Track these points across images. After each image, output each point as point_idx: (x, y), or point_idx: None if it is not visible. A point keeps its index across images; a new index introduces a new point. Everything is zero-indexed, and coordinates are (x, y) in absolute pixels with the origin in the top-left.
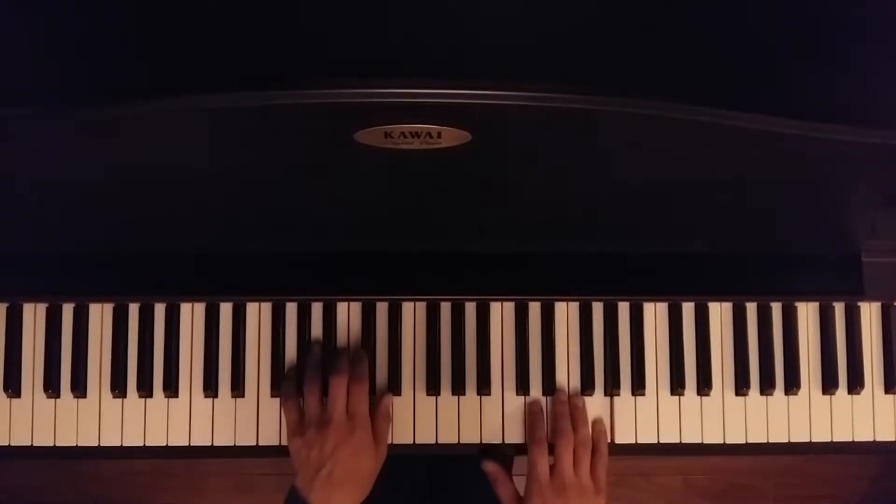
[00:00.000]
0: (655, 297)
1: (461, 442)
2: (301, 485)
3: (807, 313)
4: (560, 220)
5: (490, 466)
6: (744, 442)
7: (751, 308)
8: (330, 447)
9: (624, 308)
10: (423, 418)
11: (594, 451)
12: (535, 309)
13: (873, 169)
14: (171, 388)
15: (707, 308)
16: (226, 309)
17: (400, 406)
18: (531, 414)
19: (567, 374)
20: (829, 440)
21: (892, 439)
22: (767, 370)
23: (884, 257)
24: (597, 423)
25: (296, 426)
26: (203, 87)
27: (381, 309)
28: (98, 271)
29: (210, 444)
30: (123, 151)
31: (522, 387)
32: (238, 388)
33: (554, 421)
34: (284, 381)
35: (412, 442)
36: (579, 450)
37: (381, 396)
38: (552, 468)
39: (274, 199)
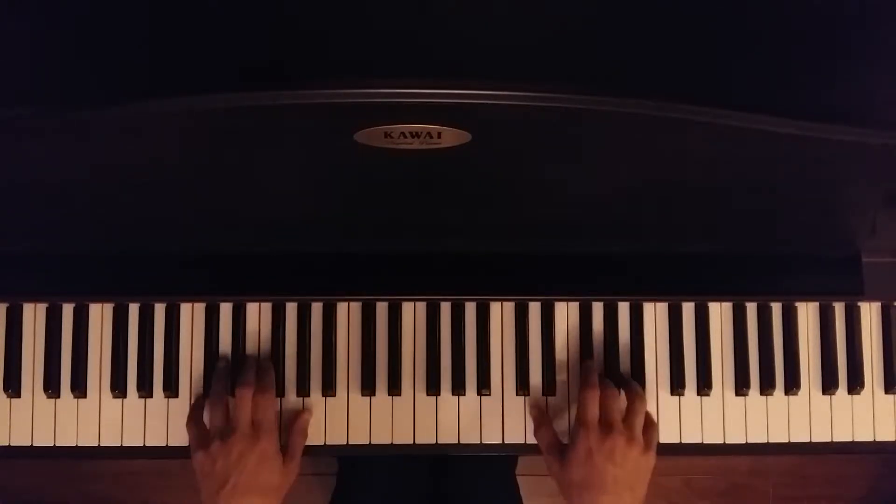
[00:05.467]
0: (655, 297)
1: (461, 442)
2: (205, 499)
3: (807, 313)
4: (560, 220)
5: (534, 410)
6: (744, 442)
7: (751, 308)
8: (235, 456)
9: (624, 308)
10: (423, 418)
11: (646, 417)
12: (535, 309)
13: (873, 169)
14: (171, 388)
15: (707, 308)
16: (226, 309)
17: (400, 406)
18: (585, 366)
19: (567, 374)
20: (829, 440)
21: (892, 439)
22: (767, 370)
23: (884, 257)
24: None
25: (199, 440)
26: (203, 87)
27: (381, 309)
28: (98, 271)
29: None
30: (123, 151)
31: (522, 387)
32: None
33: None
34: (194, 400)
35: (412, 442)
36: (635, 400)
37: (300, 412)
38: (601, 415)
39: (273, 200)
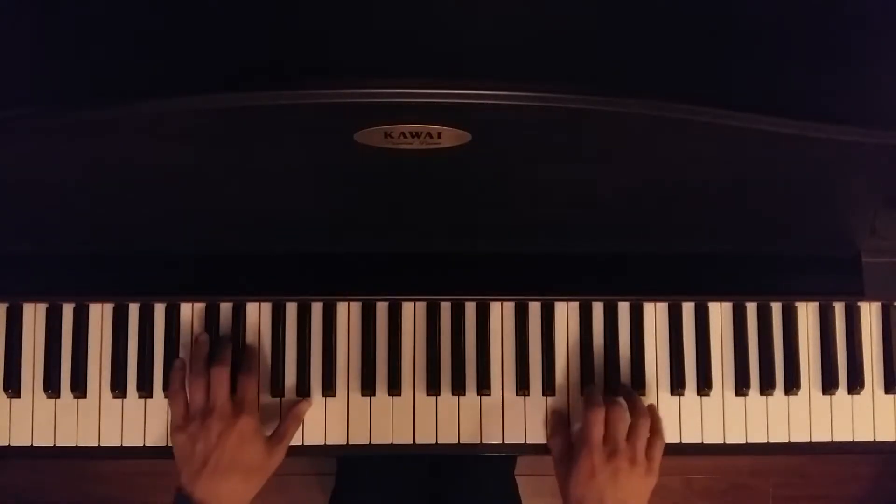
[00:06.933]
0: (655, 297)
1: (461, 442)
2: (185, 481)
3: (807, 313)
4: (560, 220)
5: (554, 416)
6: (744, 442)
7: (751, 308)
8: (214, 435)
9: (624, 308)
10: (423, 418)
11: (652, 431)
12: (535, 309)
13: (873, 169)
14: None
15: (707, 308)
16: (226, 309)
17: (400, 406)
18: (588, 386)
19: (567, 373)
20: (829, 440)
21: (892, 439)
22: (767, 370)
23: (884, 257)
24: (651, 407)
25: (180, 420)
26: (203, 87)
27: (381, 309)
28: (98, 271)
29: None
30: (123, 151)
31: (522, 387)
32: None
33: (610, 396)
34: (172, 375)
35: (412, 442)
36: (639, 421)
37: (300, 400)
38: (605, 434)
39: (274, 200)
